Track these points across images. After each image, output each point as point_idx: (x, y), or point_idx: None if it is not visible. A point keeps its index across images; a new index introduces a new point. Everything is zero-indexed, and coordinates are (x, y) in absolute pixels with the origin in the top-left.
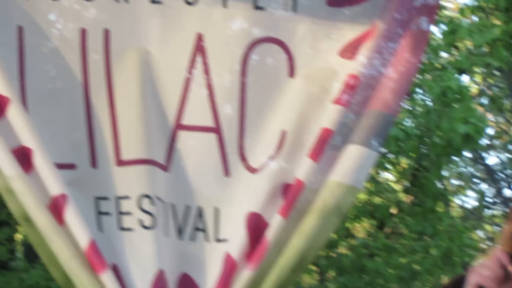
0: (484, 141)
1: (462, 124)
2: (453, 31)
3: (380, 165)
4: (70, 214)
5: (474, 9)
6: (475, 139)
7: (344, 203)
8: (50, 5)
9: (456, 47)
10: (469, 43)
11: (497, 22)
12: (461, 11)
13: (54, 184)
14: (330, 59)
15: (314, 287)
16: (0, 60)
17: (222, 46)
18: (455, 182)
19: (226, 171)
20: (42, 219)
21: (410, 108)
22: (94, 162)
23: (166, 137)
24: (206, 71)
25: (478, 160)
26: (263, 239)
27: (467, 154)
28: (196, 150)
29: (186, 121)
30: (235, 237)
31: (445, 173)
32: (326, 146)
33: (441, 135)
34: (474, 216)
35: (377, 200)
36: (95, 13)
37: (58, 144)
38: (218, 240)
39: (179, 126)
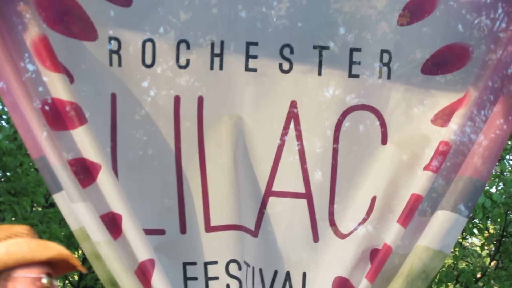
0: None
1: None
2: None
3: (467, 230)
4: (158, 279)
5: None
6: None
7: (431, 268)
8: (143, 72)
9: None
10: None
11: None
12: None
13: (142, 250)
14: (422, 126)
15: None
16: (93, 127)
17: (315, 113)
18: None
19: (316, 236)
20: (129, 285)
21: (498, 173)
22: (183, 228)
23: (256, 203)
24: (299, 137)
25: None
26: None
27: None
28: (286, 215)
29: (277, 187)
30: None
31: None
32: (415, 212)
33: None
34: None
35: (462, 264)
36: (189, 80)
37: (148, 210)
38: None
39: (270, 193)
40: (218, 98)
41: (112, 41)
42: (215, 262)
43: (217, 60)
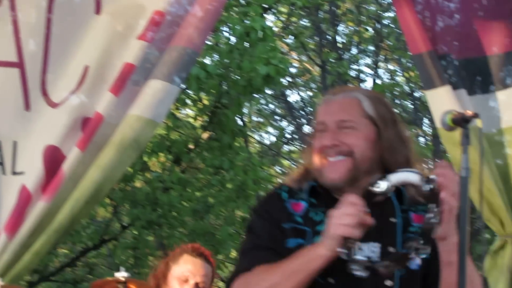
0: (286, 79)
1: (264, 65)
2: None
3: (180, 101)
4: None
5: None
6: (276, 80)
7: (142, 137)
8: None
9: None
10: None
11: None
12: None
13: None
14: None
15: (108, 220)
16: None
17: None
18: (255, 118)
19: (27, 105)
20: None
21: (213, 44)
22: None
23: None
24: (13, 7)
25: (279, 97)
26: (59, 172)
27: (268, 91)
28: None
29: None
30: (31, 170)
31: (245, 110)
32: (128, 81)
33: (242, 74)
34: (273, 152)
35: (174, 135)
36: None
37: None
38: (15, 173)
39: None
40: None
41: None
42: None
43: None
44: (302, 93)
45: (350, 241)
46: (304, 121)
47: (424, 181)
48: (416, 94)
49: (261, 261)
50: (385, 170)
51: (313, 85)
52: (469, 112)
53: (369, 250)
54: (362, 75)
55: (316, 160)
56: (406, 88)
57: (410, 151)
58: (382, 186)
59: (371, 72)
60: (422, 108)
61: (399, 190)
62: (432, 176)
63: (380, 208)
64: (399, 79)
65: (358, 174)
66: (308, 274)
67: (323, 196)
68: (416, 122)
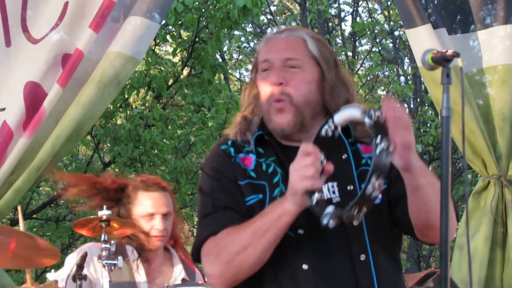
0: (266, 17)
1: None
2: None
3: (160, 37)
4: None
5: None
6: (253, 12)
7: (122, 74)
8: None
9: None
10: None
11: None
12: None
13: None
14: None
15: (90, 158)
16: None
17: None
18: (235, 56)
19: (8, 41)
20: None
21: None
22: None
23: None
24: None
25: (259, 35)
26: (40, 108)
27: (248, 29)
28: None
29: None
30: (12, 106)
31: (225, 48)
32: (108, 18)
33: (219, 7)
34: None
35: (155, 71)
36: None
37: None
38: None
39: None
40: None
41: None
42: None
43: None
44: None
45: (314, 192)
46: None
47: (366, 114)
48: (397, 33)
49: (226, 223)
50: (327, 114)
51: (293, 23)
52: (450, 51)
53: (329, 191)
54: (342, 13)
55: (264, 104)
56: (386, 26)
57: (352, 95)
58: (330, 129)
59: (351, 10)
60: (403, 47)
61: (346, 125)
62: (373, 109)
63: (329, 146)
64: (379, 17)
65: (303, 118)
66: (278, 231)
67: (271, 144)
68: (397, 61)
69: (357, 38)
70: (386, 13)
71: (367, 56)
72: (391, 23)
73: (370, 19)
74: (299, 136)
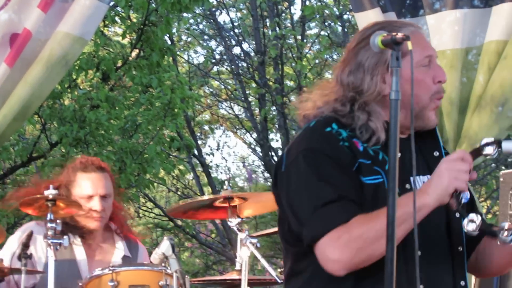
0: None
1: None
2: None
3: (109, 18)
4: None
5: None
6: None
7: (70, 54)
8: None
9: None
10: None
11: None
12: None
13: None
14: None
15: (37, 138)
16: None
17: None
18: (184, 38)
19: None
20: None
21: None
22: None
23: None
24: None
25: (208, 17)
26: None
27: (197, 10)
28: None
29: None
30: None
31: (174, 30)
32: None
33: None
34: (202, 72)
35: (103, 52)
36: None
37: None
38: None
39: None
40: None
41: None
42: None
43: None
44: (231, 14)
45: (460, 193)
46: (233, 41)
47: None
48: (346, 17)
49: (356, 212)
50: None
51: (242, 6)
52: (400, 34)
53: (423, 183)
54: None
55: (422, 97)
56: (336, 10)
57: None
58: (492, 151)
59: None
60: (352, 31)
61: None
62: None
63: (424, 142)
64: (328, 1)
65: None
66: (412, 223)
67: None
68: (345, 44)
69: (306, 22)
70: None
71: (316, 40)
72: (340, 7)
73: (319, 3)
74: (407, 131)
